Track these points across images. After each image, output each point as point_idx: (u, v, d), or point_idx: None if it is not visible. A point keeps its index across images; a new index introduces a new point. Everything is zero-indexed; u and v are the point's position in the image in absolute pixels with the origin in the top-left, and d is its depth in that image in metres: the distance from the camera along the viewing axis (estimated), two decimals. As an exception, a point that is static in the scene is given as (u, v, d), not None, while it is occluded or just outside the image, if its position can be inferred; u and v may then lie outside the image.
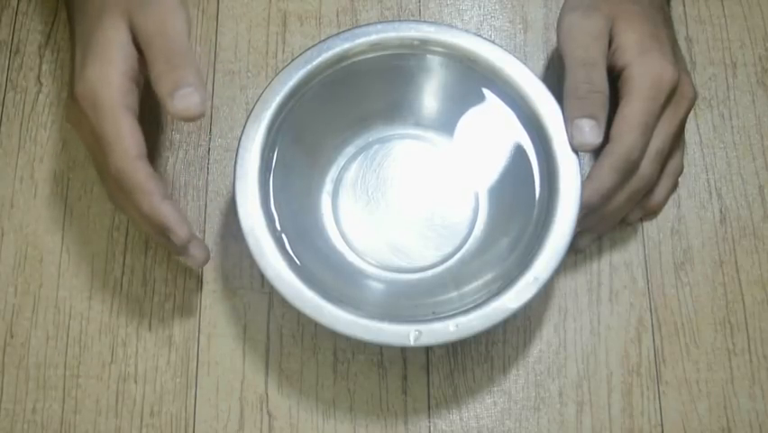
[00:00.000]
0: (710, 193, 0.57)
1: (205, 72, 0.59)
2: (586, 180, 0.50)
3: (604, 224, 0.53)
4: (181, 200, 0.56)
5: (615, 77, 0.51)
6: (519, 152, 0.53)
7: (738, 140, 0.58)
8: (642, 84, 0.49)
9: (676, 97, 0.51)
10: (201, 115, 0.44)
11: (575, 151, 0.49)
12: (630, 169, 0.50)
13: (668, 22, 0.54)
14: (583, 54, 0.50)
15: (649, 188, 0.53)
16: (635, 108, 0.49)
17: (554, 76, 0.59)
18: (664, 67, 0.50)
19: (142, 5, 0.46)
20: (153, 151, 0.57)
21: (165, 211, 0.46)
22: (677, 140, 0.53)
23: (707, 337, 0.54)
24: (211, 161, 0.58)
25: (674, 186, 0.56)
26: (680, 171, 0.56)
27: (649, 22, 0.52)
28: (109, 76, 0.45)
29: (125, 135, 0.45)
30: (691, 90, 0.52)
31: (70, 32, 0.52)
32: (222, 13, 0.61)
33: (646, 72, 0.50)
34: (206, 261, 0.50)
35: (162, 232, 0.46)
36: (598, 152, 0.50)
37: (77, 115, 0.47)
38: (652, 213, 0.56)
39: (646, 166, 0.51)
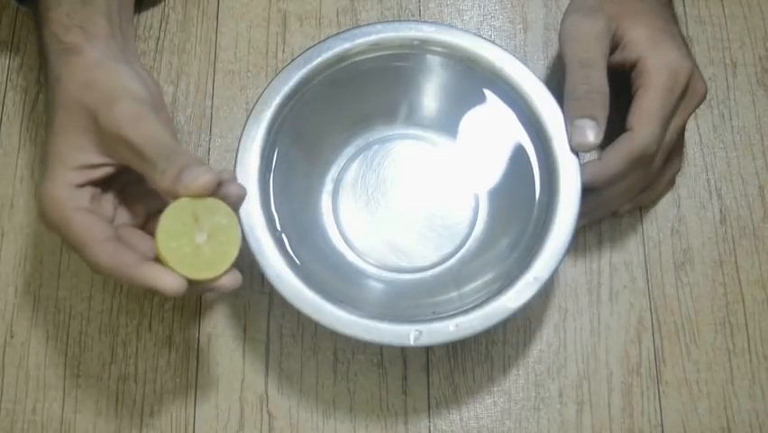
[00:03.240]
0: (710, 193, 0.57)
1: (206, 72, 0.59)
2: (597, 161, 0.49)
3: (599, 210, 0.53)
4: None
5: (627, 72, 0.51)
6: (519, 152, 0.53)
7: (738, 140, 0.58)
8: (659, 75, 0.49)
9: (688, 92, 0.50)
10: (213, 184, 0.42)
11: (575, 151, 0.49)
12: (643, 161, 0.49)
13: (675, 19, 0.54)
14: (582, 55, 0.50)
15: (651, 182, 0.53)
16: (653, 99, 0.49)
17: (554, 76, 0.59)
18: (680, 58, 0.49)
19: (108, 105, 0.45)
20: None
21: (142, 276, 0.43)
22: (682, 135, 0.53)
23: (707, 337, 0.54)
24: (211, 160, 0.58)
25: (672, 183, 0.56)
26: (678, 169, 0.56)
27: (658, 17, 0.52)
28: (54, 193, 0.45)
29: (84, 240, 0.44)
30: (702, 86, 0.51)
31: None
32: (222, 13, 0.61)
33: (662, 63, 0.49)
34: (236, 284, 0.45)
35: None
36: (603, 146, 0.50)
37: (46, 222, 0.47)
38: (644, 207, 0.56)
39: (656, 159, 0.50)
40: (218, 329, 0.54)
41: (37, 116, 0.58)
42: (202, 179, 0.42)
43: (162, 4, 0.61)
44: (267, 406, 0.53)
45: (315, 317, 0.46)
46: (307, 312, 0.47)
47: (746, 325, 0.54)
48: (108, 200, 0.48)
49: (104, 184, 0.47)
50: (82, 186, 0.46)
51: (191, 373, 0.53)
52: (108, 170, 0.47)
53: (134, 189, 0.49)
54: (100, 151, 0.46)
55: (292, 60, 0.51)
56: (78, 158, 0.46)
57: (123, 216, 0.48)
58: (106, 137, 0.45)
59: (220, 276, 0.43)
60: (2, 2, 0.61)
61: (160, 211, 0.42)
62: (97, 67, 0.47)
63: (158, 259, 0.43)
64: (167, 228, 0.42)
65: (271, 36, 0.61)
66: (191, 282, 0.42)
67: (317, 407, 0.53)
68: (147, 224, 0.49)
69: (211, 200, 0.42)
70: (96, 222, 0.45)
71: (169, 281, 0.42)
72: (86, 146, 0.46)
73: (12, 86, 0.59)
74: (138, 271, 0.42)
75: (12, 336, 0.54)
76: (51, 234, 0.55)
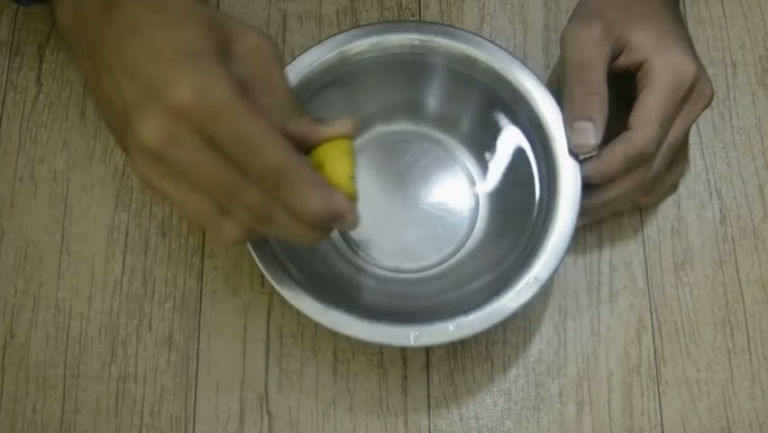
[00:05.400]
0: (710, 193, 0.57)
1: (205, 72, 0.59)
2: (595, 158, 0.49)
3: (602, 210, 0.53)
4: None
5: (633, 75, 0.51)
6: (519, 152, 0.53)
7: (738, 140, 0.58)
8: (663, 75, 0.49)
9: (694, 94, 0.50)
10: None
11: (574, 153, 0.49)
12: (641, 160, 0.49)
13: (681, 21, 0.54)
14: (578, 58, 0.50)
15: (653, 184, 0.53)
16: (656, 99, 0.49)
17: (554, 76, 0.59)
18: (686, 59, 0.49)
19: (241, 40, 0.41)
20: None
21: (337, 199, 0.41)
22: (686, 138, 0.53)
23: (707, 337, 0.54)
24: (211, 161, 0.57)
25: (675, 187, 0.56)
26: (682, 172, 0.55)
27: (664, 20, 0.52)
28: (221, 76, 0.38)
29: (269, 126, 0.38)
30: (709, 88, 0.51)
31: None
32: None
33: (667, 64, 0.49)
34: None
35: (328, 223, 0.42)
36: (604, 144, 0.50)
37: (177, 137, 0.37)
38: (644, 207, 0.56)
39: (658, 160, 0.50)
40: (218, 329, 0.54)
41: (37, 116, 0.58)
42: (347, 123, 0.44)
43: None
44: (267, 406, 0.53)
45: (314, 317, 0.46)
46: (307, 312, 0.47)
47: (746, 325, 0.54)
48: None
49: None
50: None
51: (191, 373, 0.53)
52: None
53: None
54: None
55: (292, 60, 0.51)
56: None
57: None
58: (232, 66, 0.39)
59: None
60: (2, 2, 0.61)
61: None
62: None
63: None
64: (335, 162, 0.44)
65: (271, 36, 0.60)
66: None
67: (317, 407, 0.53)
68: None
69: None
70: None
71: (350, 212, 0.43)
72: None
73: (12, 86, 0.59)
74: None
75: (12, 336, 0.54)
76: (51, 234, 0.55)
